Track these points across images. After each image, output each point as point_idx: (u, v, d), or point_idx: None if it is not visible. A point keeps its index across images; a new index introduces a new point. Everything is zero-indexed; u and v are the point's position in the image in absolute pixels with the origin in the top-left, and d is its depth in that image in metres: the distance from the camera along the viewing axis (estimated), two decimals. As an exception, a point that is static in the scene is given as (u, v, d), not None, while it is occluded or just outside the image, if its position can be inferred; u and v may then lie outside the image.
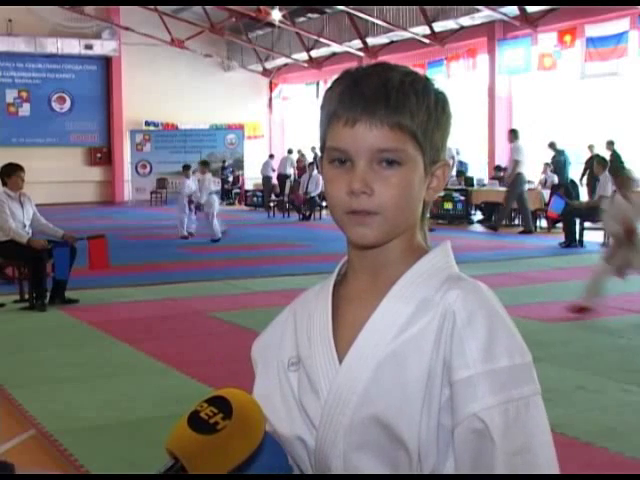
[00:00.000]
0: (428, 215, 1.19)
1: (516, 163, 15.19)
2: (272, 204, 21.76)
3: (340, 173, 1.09)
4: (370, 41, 23.94)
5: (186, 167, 16.64)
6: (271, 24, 25.03)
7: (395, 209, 1.08)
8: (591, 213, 13.63)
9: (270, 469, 1.08)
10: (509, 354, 1.03)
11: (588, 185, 16.52)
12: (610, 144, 17.22)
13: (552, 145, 17.09)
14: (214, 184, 16.74)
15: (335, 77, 1.14)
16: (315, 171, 19.59)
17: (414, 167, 1.09)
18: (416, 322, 1.07)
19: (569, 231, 13.47)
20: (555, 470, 1.04)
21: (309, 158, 22.99)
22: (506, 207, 15.74)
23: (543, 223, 16.57)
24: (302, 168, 22.55)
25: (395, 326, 1.08)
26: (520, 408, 1.01)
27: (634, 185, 7.84)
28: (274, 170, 23.68)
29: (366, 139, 1.06)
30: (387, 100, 1.06)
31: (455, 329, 1.04)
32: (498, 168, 19.32)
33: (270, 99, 30.55)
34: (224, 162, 27.44)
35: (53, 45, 26.74)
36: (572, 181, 16.42)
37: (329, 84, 1.14)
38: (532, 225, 15.70)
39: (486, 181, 19.23)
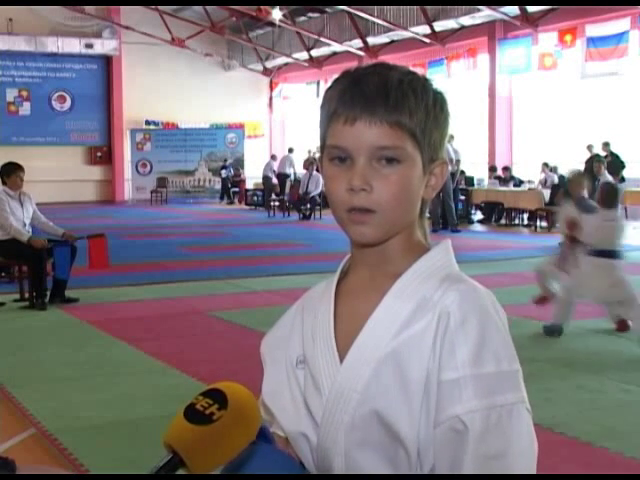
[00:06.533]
0: (427, 214, 1.20)
1: None
2: (272, 203, 21.77)
3: (340, 171, 1.10)
4: (370, 40, 23.94)
5: None
6: (272, 23, 25.03)
7: (393, 206, 1.09)
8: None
9: (275, 463, 1.07)
10: (497, 360, 1.04)
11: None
12: (606, 145, 17.20)
13: (606, 145, 17.14)
14: None
15: (335, 77, 1.15)
16: (315, 171, 19.54)
17: (413, 165, 1.10)
18: (416, 321, 1.08)
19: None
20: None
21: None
22: (448, 207, 15.95)
23: (543, 223, 16.58)
24: (308, 167, 22.46)
25: (396, 324, 1.09)
26: (502, 415, 1.02)
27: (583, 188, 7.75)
28: (274, 171, 23.62)
29: (366, 137, 1.07)
30: (387, 99, 1.07)
31: (448, 330, 1.05)
32: (493, 169, 19.34)
33: (270, 98, 30.55)
34: (225, 161, 27.42)
35: (53, 44, 26.73)
36: (572, 181, 16.39)
37: (329, 83, 1.15)
38: (440, 225, 15.88)
39: (486, 181, 19.24)
